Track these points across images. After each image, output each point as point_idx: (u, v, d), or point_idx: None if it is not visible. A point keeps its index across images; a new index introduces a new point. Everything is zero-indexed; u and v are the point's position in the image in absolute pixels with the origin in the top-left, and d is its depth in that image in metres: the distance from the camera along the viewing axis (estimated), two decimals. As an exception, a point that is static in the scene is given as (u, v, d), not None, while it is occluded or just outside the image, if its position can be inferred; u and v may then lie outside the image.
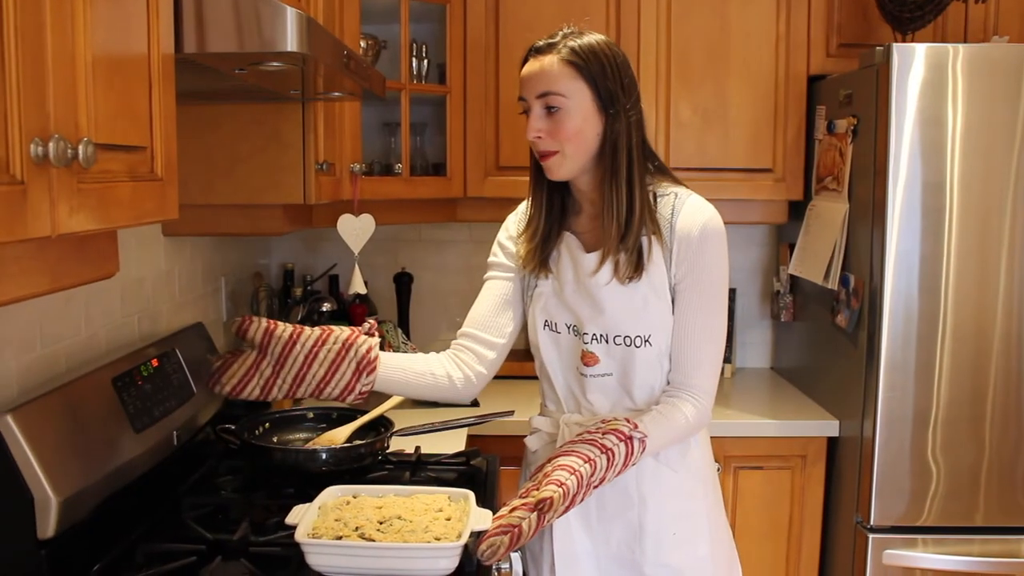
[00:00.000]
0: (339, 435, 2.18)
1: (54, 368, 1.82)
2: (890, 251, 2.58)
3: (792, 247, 3.20)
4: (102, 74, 1.10)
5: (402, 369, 1.97)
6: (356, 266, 2.61)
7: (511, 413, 2.58)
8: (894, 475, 2.64)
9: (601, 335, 1.89)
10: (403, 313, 3.47)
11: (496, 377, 3.34)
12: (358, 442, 2.13)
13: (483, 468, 2.24)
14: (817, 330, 3.13)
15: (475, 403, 2.95)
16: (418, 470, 2.21)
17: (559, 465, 1.69)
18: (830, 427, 2.89)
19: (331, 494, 1.76)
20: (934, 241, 2.58)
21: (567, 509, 1.67)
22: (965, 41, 3.05)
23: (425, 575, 1.57)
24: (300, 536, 1.57)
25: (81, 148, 1.00)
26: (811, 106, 3.12)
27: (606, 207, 1.84)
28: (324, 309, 2.84)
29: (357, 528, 1.61)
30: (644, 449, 1.75)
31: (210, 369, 1.93)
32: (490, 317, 2.04)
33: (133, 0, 1.21)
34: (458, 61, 3.11)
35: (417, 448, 2.32)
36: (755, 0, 3.09)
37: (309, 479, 2.04)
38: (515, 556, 1.87)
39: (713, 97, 3.12)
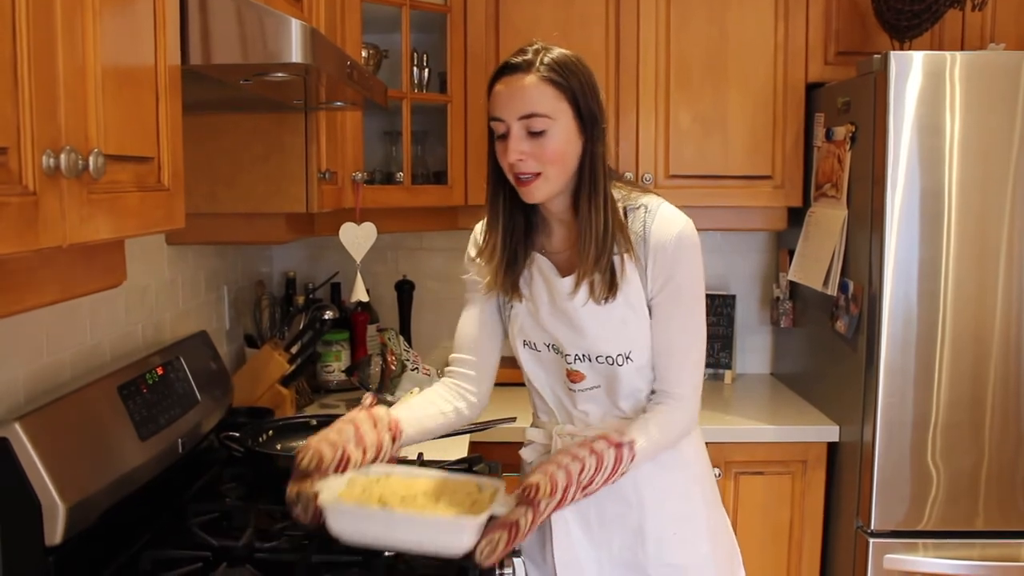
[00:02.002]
0: (342, 442, 2.19)
1: (60, 376, 1.84)
2: (889, 257, 2.59)
3: (791, 253, 3.21)
4: (111, 86, 1.12)
5: (418, 422, 1.90)
6: (358, 274, 2.62)
7: (513, 419, 2.60)
8: (894, 480, 2.65)
9: (583, 355, 1.87)
10: (405, 321, 3.48)
11: (497, 384, 3.36)
12: (361, 449, 2.13)
13: (485, 475, 2.25)
14: (817, 336, 3.15)
15: (477, 410, 2.96)
16: (421, 476, 2.22)
17: (545, 463, 1.67)
18: (830, 432, 2.90)
19: (362, 472, 1.74)
20: (933, 247, 2.60)
21: (560, 504, 1.63)
22: (962, 49, 3.07)
23: (443, 549, 1.57)
24: (324, 500, 1.57)
25: (91, 159, 1.01)
26: (810, 113, 3.14)
27: (584, 228, 1.79)
28: (326, 317, 2.85)
29: (380, 499, 1.62)
30: (634, 458, 1.72)
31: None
32: (473, 341, 2.02)
33: (140, 13, 1.23)
34: (459, 70, 3.13)
35: (419, 455, 2.33)
36: (753, 9, 3.11)
37: (313, 486, 2.05)
38: (518, 561, 1.89)
39: (712, 105, 3.13)
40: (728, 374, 3.54)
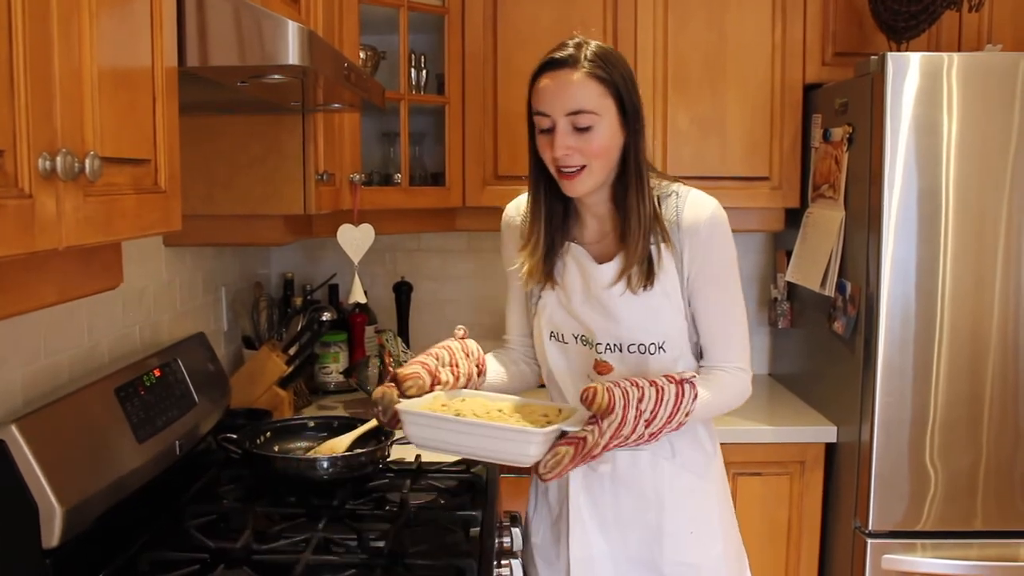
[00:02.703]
0: (340, 444, 2.20)
1: (57, 378, 1.84)
2: (886, 258, 2.59)
3: (789, 254, 3.21)
4: (107, 89, 1.12)
5: (495, 367, 2.00)
6: (356, 275, 2.62)
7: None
8: (892, 480, 2.65)
9: (615, 345, 1.88)
10: (403, 322, 3.48)
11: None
12: (359, 451, 2.14)
13: (483, 476, 2.25)
14: (814, 336, 3.15)
15: (475, 411, 2.96)
16: (419, 478, 2.22)
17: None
18: (828, 433, 2.90)
19: (451, 394, 1.81)
20: (930, 247, 2.60)
21: (621, 426, 1.62)
22: (959, 50, 3.07)
23: (510, 458, 1.62)
24: (402, 406, 1.65)
25: (88, 162, 1.01)
26: (807, 114, 3.14)
27: (626, 220, 1.82)
28: (324, 319, 2.85)
29: (457, 412, 1.69)
30: (696, 397, 1.73)
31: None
32: (522, 327, 2.08)
33: (137, 15, 1.23)
34: (456, 71, 3.13)
35: (417, 456, 2.33)
36: (751, 10, 3.11)
37: (310, 487, 2.06)
38: (516, 563, 1.89)
39: (710, 106, 3.13)
40: (726, 375, 3.53)
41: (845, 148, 2.80)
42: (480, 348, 1.94)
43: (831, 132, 2.90)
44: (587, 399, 1.60)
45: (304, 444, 2.28)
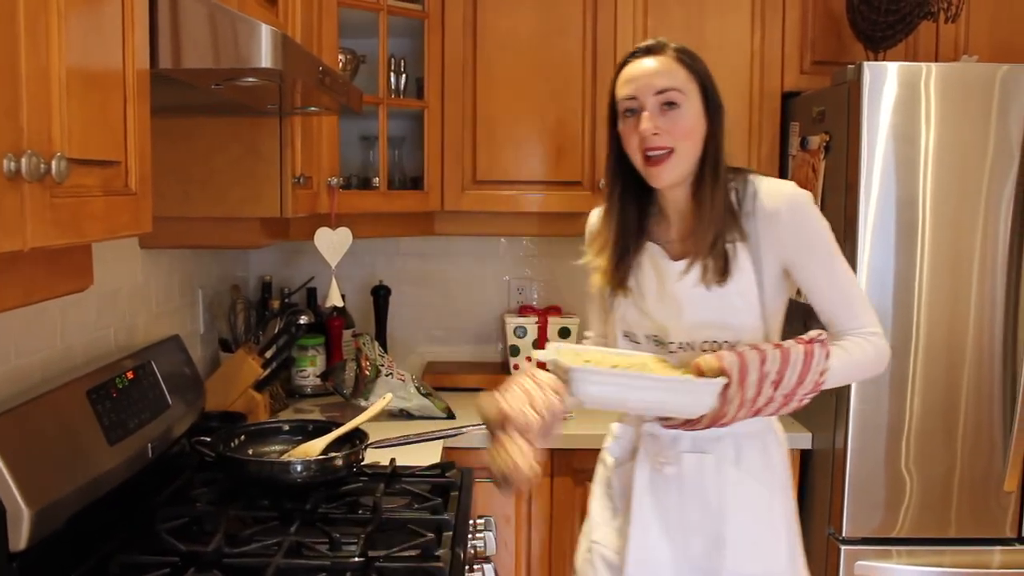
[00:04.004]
0: (314, 447, 2.19)
1: (28, 379, 1.83)
2: (863, 266, 2.61)
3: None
4: (76, 89, 1.11)
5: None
6: (333, 279, 2.62)
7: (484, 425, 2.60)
8: (867, 487, 2.67)
9: (687, 343, 1.88)
10: (381, 326, 3.47)
11: (469, 389, 3.37)
12: (333, 454, 2.13)
13: (458, 480, 2.25)
14: (791, 344, 3.15)
15: (451, 415, 2.96)
16: (393, 482, 2.21)
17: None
18: (803, 439, 2.91)
19: (563, 352, 1.80)
20: (907, 256, 2.61)
21: (742, 389, 1.65)
22: (936, 60, 3.09)
23: (688, 410, 1.65)
24: (574, 364, 1.61)
25: (54, 163, 1.01)
26: (785, 123, 3.16)
27: (704, 213, 1.84)
28: (301, 322, 2.85)
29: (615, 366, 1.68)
30: (828, 355, 1.73)
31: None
32: (600, 320, 2.10)
33: (108, 16, 1.22)
34: (436, 75, 3.13)
35: (392, 460, 2.33)
36: (730, 17, 3.13)
37: (284, 491, 2.05)
38: (488, 567, 1.90)
39: (689, 113, 3.14)
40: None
41: (822, 156, 2.82)
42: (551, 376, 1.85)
43: (808, 140, 2.92)
44: (697, 370, 1.66)
45: (278, 447, 2.28)
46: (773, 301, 1.89)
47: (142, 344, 2.26)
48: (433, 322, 3.64)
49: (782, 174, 3.15)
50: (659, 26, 3.11)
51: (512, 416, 1.68)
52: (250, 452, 2.24)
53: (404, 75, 3.20)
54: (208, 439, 2.22)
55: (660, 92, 1.80)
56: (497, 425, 1.70)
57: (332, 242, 2.61)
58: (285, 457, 2.17)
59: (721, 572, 1.89)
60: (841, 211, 2.68)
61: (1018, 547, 2.72)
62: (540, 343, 3.36)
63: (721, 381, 1.62)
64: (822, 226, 1.88)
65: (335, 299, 2.66)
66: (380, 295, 3.48)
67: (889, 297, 2.62)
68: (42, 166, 0.99)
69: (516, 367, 3.39)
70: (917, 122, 2.58)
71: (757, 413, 1.71)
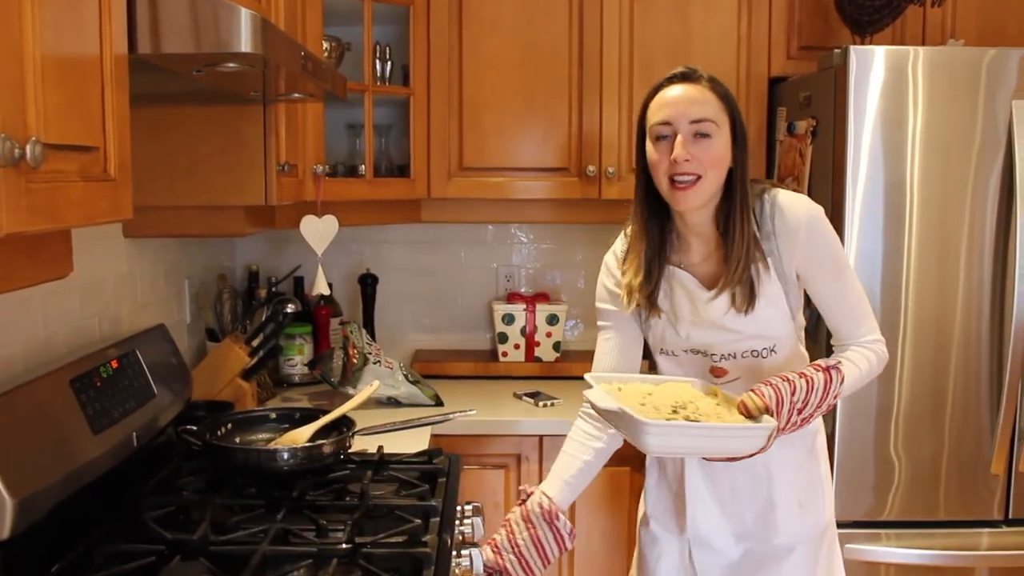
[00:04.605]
0: (301, 435, 2.18)
1: (11, 369, 1.81)
2: (850, 250, 2.61)
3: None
4: (52, 74, 1.10)
5: (571, 486, 2.07)
6: (319, 267, 2.61)
7: (472, 412, 2.60)
8: (856, 470, 2.67)
9: (730, 354, 1.97)
10: (368, 315, 3.47)
11: (457, 377, 3.37)
12: (320, 442, 2.13)
13: (445, 467, 2.24)
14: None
15: (439, 403, 2.96)
16: (380, 469, 2.21)
17: (757, 384, 1.79)
18: (792, 425, 2.91)
19: (597, 379, 1.90)
20: (894, 240, 2.62)
21: (778, 416, 1.74)
22: (923, 44, 3.09)
23: (744, 450, 1.72)
24: (645, 417, 1.66)
25: (29, 148, 1.00)
26: (772, 108, 3.15)
27: (730, 242, 1.89)
28: (288, 310, 2.83)
29: (676, 411, 1.75)
30: (842, 380, 1.83)
31: None
32: (617, 366, 2.11)
33: (84, 1, 1.21)
34: (421, 63, 3.12)
35: (380, 448, 2.32)
36: (717, 2, 3.12)
37: (271, 479, 2.04)
38: (475, 552, 1.89)
39: (675, 98, 3.13)
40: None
41: (809, 141, 2.81)
42: (540, 502, 2.02)
43: (795, 125, 2.91)
44: (744, 412, 1.74)
45: (265, 436, 2.27)
46: (797, 299, 1.99)
47: (127, 334, 2.25)
48: (421, 310, 3.63)
49: (769, 159, 3.15)
50: (646, 11, 3.11)
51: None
52: (237, 440, 2.23)
53: (390, 62, 3.18)
54: (194, 428, 2.21)
55: (695, 121, 1.85)
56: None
57: (318, 230, 2.60)
58: (272, 445, 2.17)
59: (774, 535, 2.03)
60: (828, 196, 2.68)
61: (1005, 529, 2.73)
62: (528, 330, 3.36)
63: (774, 424, 1.70)
64: (835, 242, 1.95)
65: (322, 287, 2.65)
66: (367, 284, 3.47)
67: (877, 281, 2.62)
68: (16, 151, 0.98)
69: (505, 354, 3.39)
70: (904, 106, 2.58)
71: (780, 434, 1.79)
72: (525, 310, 3.38)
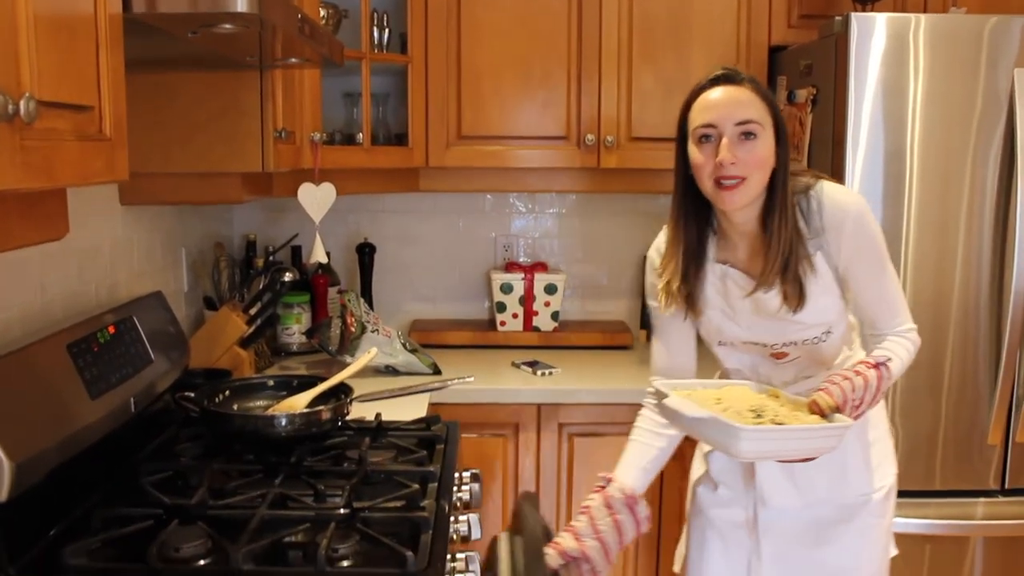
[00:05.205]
0: (299, 402, 2.19)
1: (7, 334, 1.81)
2: (849, 219, 2.60)
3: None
4: (46, 32, 1.09)
5: (647, 472, 2.08)
6: (317, 235, 2.60)
7: (471, 378, 2.60)
8: (852, 440, 2.68)
9: (790, 342, 2.01)
10: (366, 284, 3.46)
11: (455, 346, 3.37)
12: (318, 408, 2.13)
13: (443, 434, 2.24)
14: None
15: (437, 371, 2.96)
16: (378, 436, 2.21)
17: (822, 385, 1.82)
18: (790, 394, 2.92)
19: (668, 387, 1.91)
20: (894, 209, 2.61)
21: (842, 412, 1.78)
22: (925, 11, 3.07)
23: (824, 450, 1.76)
24: (741, 423, 1.69)
25: (23, 104, 0.99)
26: (772, 76, 3.13)
27: (772, 241, 1.90)
28: (286, 279, 2.83)
29: (758, 415, 1.78)
30: (891, 375, 1.89)
31: None
32: (671, 365, 2.15)
33: (78, -42, 1.20)
34: (419, 30, 3.10)
35: (377, 415, 2.32)
36: (717, -30, 3.10)
37: (269, 445, 2.05)
38: (474, 517, 1.90)
39: (675, 67, 3.12)
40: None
41: (809, 110, 2.80)
42: (621, 488, 2.00)
43: (796, 94, 2.90)
44: (817, 411, 1.78)
45: (263, 402, 2.27)
46: (845, 284, 1.99)
47: (124, 301, 2.24)
48: (419, 279, 3.63)
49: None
50: (646, -22, 3.08)
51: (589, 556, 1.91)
52: (235, 407, 2.23)
53: (387, 30, 3.16)
54: (192, 394, 2.20)
55: (741, 123, 1.85)
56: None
57: (316, 198, 2.59)
58: (270, 411, 2.17)
59: (845, 496, 2.10)
60: (828, 165, 2.67)
61: (1001, 499, 2.74)
62: (527, 299, 3.35)
63: (850, 422, 1.76)
64: (879, 236, 1.97)
65: (319, 255, 2.64)
66: (365, 253, 3.46)
67: (875, 250, 2.61)
68: (10, 107, 0.97)
69: (503, 323, 3.39)
70: (905, 74, 2.57)
71: None
72: (523, 279, 3.37)
